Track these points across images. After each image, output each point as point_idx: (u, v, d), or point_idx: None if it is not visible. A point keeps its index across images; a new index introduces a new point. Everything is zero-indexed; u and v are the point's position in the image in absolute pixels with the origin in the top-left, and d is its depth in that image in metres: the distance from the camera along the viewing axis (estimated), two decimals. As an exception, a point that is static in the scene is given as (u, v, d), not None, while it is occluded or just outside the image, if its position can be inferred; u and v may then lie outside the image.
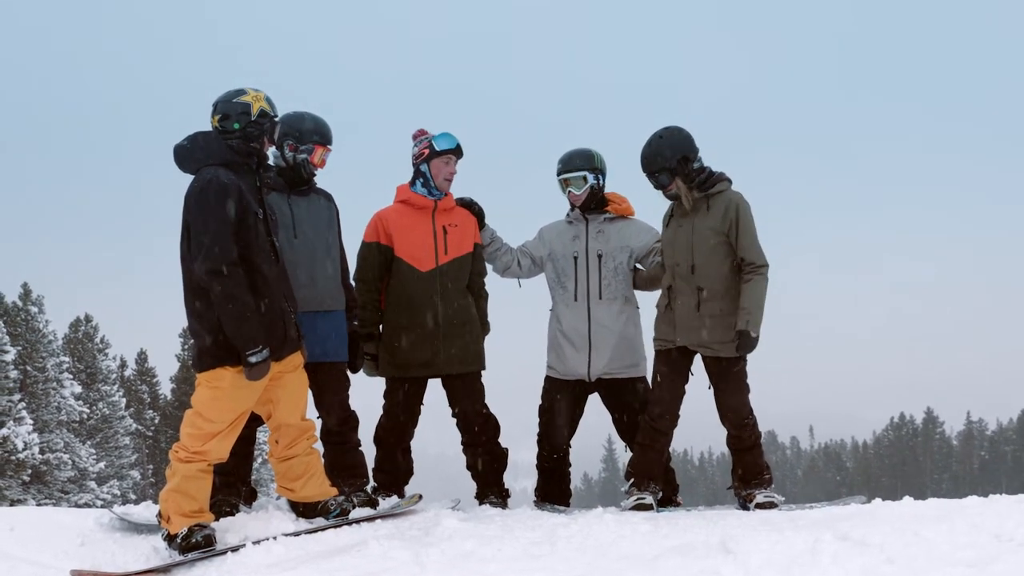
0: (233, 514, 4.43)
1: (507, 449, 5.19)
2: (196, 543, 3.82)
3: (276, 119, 4.18)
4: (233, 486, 4.63)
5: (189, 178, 3.99)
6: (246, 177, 4.03)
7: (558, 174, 5.19)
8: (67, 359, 33.23)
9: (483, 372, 5.15)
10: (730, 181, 4.77)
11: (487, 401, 5.12)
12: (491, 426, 5.11)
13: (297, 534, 3.99)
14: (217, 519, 4.12)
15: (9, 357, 28.50)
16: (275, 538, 3.85)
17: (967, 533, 2.93)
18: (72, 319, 36.51)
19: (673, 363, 4.82)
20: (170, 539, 3.91)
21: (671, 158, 4.69)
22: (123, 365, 39.48)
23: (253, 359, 3.82)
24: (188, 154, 4.03)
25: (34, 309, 31.97)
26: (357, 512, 4.36)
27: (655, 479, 4.86)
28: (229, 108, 4.04)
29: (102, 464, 31.73)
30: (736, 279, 4.68)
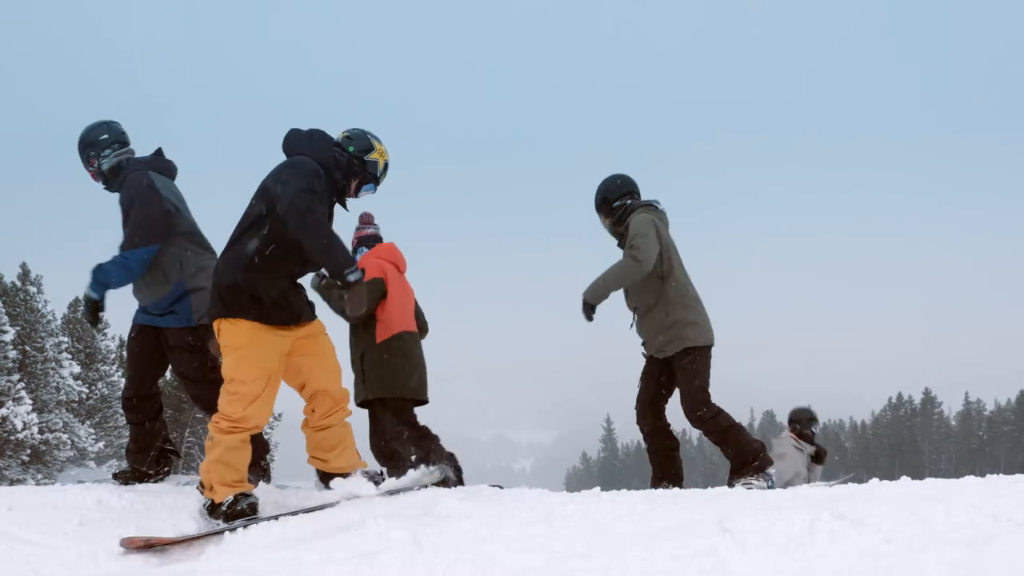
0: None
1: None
2: (242, 511, 3.99)
3: (376, 178, 4.43)
4: (255, 463, 4.66)
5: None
6: (328, 185, 4.27)
7: None
8: (66, 339, 33.29)
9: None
10: (653, 206, 5.37)
11: None
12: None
13: (318, 508, 4.03)
14: None
15: (8, 337, 28.55)
16: (276, 518, 3.88)
17: (965, 513, 2.93)
18: (71, 299, 36.53)
19: (646, 369, 5.48)
20: (213, 508, 4.06)
21: (596, 201, 5.47)
22: (122, 345, 39.49)
23: (352, 277, 3.91)
24: (303, 140, 4.31)
25: (33, 289, 32.00)
26: (385, 485, 4.43)
27: (665, 479, 5.35)
28: (359, 139, 4.41)
29: (101, 444, 31.87)
30: (660, 287, 5.22)
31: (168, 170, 5.17)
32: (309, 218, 3.90)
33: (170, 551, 3.73)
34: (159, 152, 5.22)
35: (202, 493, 4.17)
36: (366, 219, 5.85)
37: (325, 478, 4.46)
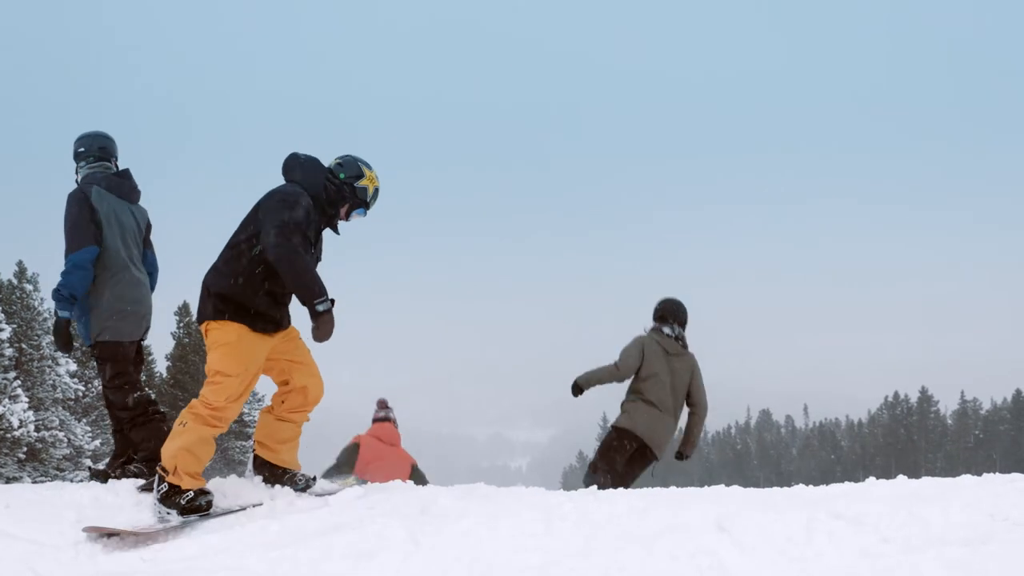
0: None
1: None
2: (199, 506, 4.06)
3: (366, 204, 4.60)
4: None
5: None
6: (317, 213, 4.44)
7: None
8: (63, 337, 33.12)
9: None
10: (659, 330, 6.50)
11: None
12: None
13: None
14: None
15: (4, 335, 28.47)
16: (271, 516, 3.88)
17: (962, 512, 2.93)
18: (67, 297, 36.42)
19: None
20: (169, 494, 4.09)
21: None
22: (119, 343, 39.40)
23: (321, 307, 4.07)
24: (296, 167, 4.48)
25: (29, 287, 31.91)
26: (318, 489, 4.62)
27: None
28: (350, 166, 4.58)
29: (97, 442, 31.77)
30: (632, 383, 6.45)
31: (119, 189, 5.22)
32: (284, 249, 4.07)
33: (160, 544, 3.73)
34: (123, 173, 5.32)
35: (163, 476, 4.17)
36: (381, 404, 7.11)
37: (262, 466, 4.61)
